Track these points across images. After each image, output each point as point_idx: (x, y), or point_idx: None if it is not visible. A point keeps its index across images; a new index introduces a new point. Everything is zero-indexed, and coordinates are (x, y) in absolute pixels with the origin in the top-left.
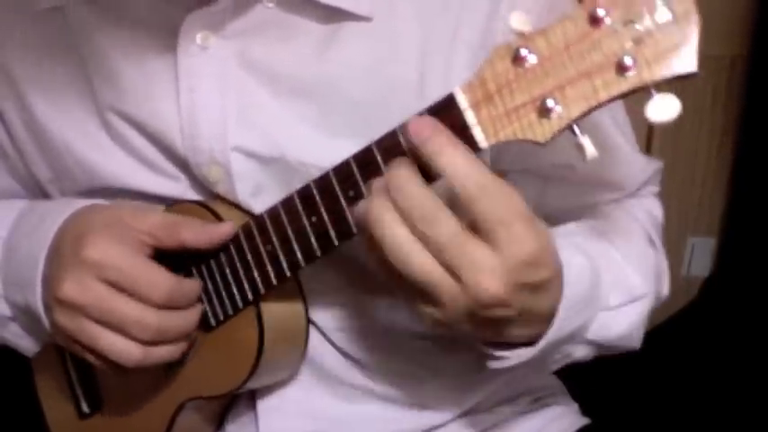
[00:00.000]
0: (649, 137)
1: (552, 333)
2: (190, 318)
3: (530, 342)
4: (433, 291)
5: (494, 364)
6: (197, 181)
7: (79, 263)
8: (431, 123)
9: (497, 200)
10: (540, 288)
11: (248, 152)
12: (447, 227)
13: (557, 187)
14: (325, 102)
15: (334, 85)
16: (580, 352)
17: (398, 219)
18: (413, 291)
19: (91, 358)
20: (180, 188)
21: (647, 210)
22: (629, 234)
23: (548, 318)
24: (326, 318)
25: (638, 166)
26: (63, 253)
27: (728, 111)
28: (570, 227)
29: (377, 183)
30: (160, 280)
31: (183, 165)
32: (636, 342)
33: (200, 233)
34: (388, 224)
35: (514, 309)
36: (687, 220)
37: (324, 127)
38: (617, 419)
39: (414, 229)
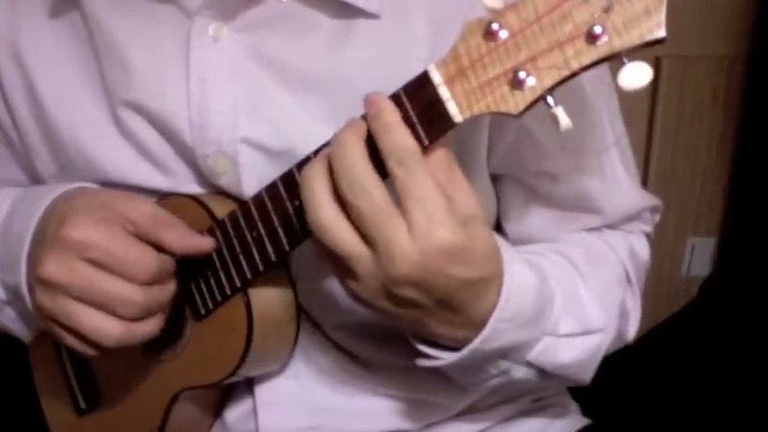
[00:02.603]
0: (649, 137)
1: (480, 341)
2: (170, 290)
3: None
4: (349, 262)
5: (422, 362)
6: (199, 176)
7: (61, 243)
8: (379, 102)
9: (419, 182)
10: (462, 286)
11: (257, 144)
12: (372, 198)
13: (540, 205)
14: (335, 97)
15: (345, 81)
16: (519, 372)
17: (327, 186)
18: (334, 261)
19: (70, 340)
20: (181, 186)
21: (630, 246)
22: (599, 266)
23: (479, 325)
24: (325, 314)
25: (629, 197)
26: (46, 233)
27: (728, 111)
28: (538, 247)
29: (324, 149)
30: (145, 258)
31: (187, 156)
32: (586, 376)
33: (180, 239)
34: (314, 190)
35: (429, 296)
36: (687, 220)
37: (334, 122)
38: (617, 420)
39: (340, 192)
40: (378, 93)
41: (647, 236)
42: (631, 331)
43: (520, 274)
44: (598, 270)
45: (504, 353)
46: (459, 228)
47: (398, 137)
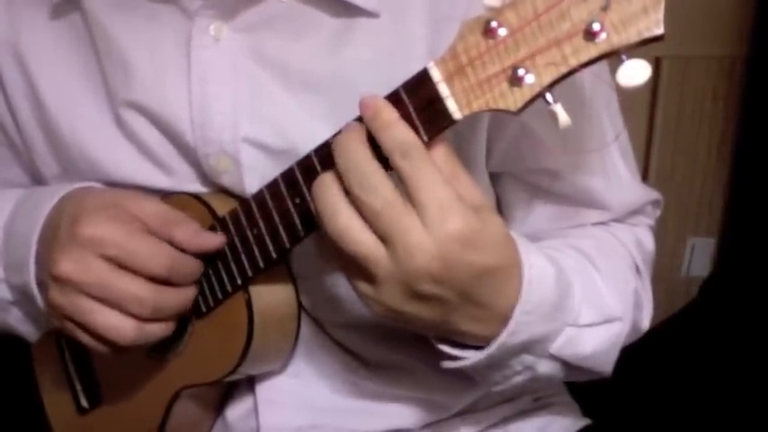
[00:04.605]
0: (649, 137)
1: (508, 335)
2: (185, 295)
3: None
4: (366, 263)
5: (447, 364)
6: (202, 175)
7: (76, 240)
8: (375, 103)
9: (427, 173)
10: (482, 274)
11: (258, 144)
12: (383, 194)
13: (543, 202)
14: (336, 96)
15: (345, 80)
16: (544, 367)
17: (340, 192)
18: (352, 270)
19: (84, 337)
20: (184, 185)
21: (637, 238)
22: (610, 256)
23: (504, 318)
24: (326, 312)
25: (632, 192)
26: (59, 232)
27: (728, 111)
28: (550, 242)
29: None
30: (160, 252)
31: (189, 156)
32: (607, 367)
33: (191, 237)
34: (328, 196)
35: (452, 290)
36: (687, 220)
37: (334, 121)
38: (617, 419)
39: (351, 195)
40: (372, 95)
41: (651, 228)
42: (645, 321)
43: (538, 265)
44: (610, 261)
45: (528, 346)
46: (472, 214)
47: (399, 132)
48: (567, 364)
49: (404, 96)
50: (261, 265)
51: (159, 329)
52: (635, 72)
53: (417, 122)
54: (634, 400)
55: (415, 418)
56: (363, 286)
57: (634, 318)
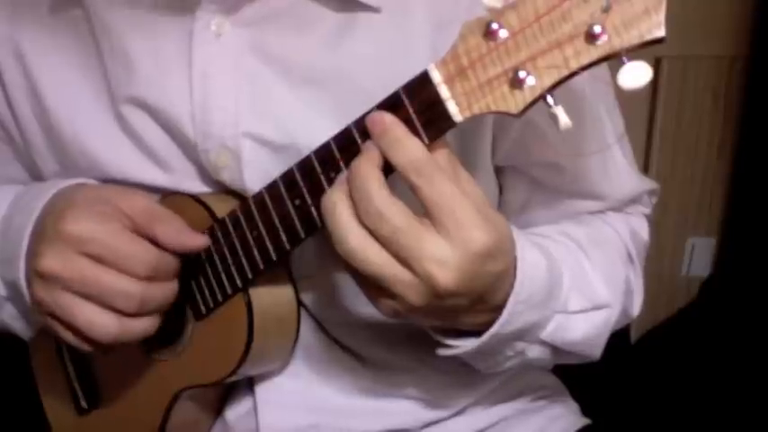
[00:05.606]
0: (649, 137)
1: (500, 326)
2: (169, 289)
3: (480, 331)
4: (385, 283)
5: (442, 351)
6: (201, 172)
7: (60, 237)
8: (383, 120)
9: (443, 190)
10: (496, 280)
11: (259, 139)
12: (394, 221)
13: (543, 193)
14: (337, 91)
15: (347, 75)
16: (534, 352)
17: (350, 212)
18: (369, 283)
19: (67, 335)
20: (182, 182)
21: (632, 228)
22: (603, 244)
23: (499, 308)
24: (327, 310)
25: (629, 182)
26: (45, 228)
27: (728, 111)
28: (542, 228)
29: (341, 175)
30: (143, 252)
31: (189, 152)
32: (595, 351)
33: (173, 235)
34: (337, 217)
35: (468, 298)
36: (687, 220)
37: (336, 116)
38: (617, 419)
39: (361, 221)
40: (378, 111)
41: (647, 217)
42: (636, 308)
43: (531, 259)
44: (602, 249)
45: (520, 334)
46: (488, 224)
47: (410, 150)
48: (556, 349)
49: (404, 98)
50: (260, 266)
51: (142, 325)
52: (636, 74)
53: (417, 124)
54: (634, 399)
55: (414, 417)
56: (378, 297)
57: (624, 304)
